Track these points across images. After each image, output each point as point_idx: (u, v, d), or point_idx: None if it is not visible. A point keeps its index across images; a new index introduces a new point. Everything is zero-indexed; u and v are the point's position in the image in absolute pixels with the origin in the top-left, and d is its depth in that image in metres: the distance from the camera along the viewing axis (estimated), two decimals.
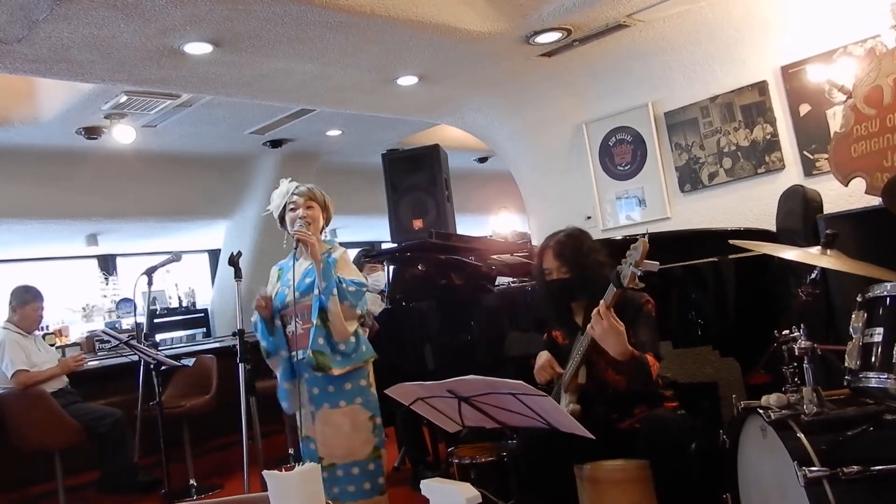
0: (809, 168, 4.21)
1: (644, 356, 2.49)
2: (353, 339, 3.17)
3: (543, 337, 2.98)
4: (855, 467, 1.85)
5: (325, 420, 3.16)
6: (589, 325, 2.47)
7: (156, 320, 7.57)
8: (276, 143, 6.94)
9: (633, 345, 2.50)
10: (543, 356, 2.82)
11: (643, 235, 2.34)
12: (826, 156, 3.90)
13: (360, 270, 5.56)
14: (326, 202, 3.36)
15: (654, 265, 2.30)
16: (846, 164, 3.32)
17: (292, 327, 3.23)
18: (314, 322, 3.11)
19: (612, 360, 2.52)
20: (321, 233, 3.39)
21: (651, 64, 4.81)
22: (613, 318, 2.42)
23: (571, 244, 2.76)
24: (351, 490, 3.12)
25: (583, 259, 2.72)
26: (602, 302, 2.44)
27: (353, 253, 4.56)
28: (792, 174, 4.27)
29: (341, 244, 3.46)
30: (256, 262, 7.16)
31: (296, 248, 3.28)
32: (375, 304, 3.64)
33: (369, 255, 5.58)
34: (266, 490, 1.62)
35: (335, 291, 3.09)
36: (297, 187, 3.30)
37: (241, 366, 3.25)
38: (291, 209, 3.27)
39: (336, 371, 3.11)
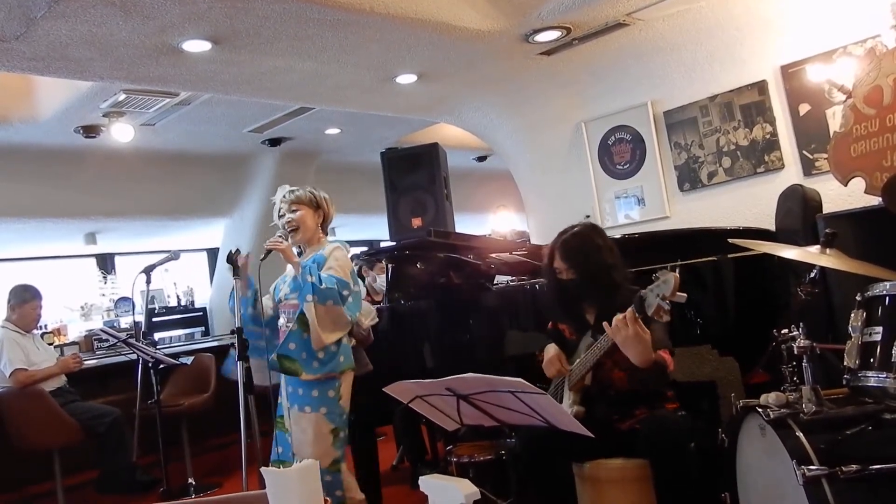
0: (809, 168, 4.21)
1: (661, 357, 2.49)
2: (333, 347, 3.16)
3: (548, 326, 2.96)
4: (854, 466, 1.85)
5: (295, 420, 3.19)
6: (611, 328, 2.44)
7: (154, 319, 7.56)
8: (274, 142, 6.93)
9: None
10: (552, 350, 2.79)
11: (674, 269, 2.29)
12: (825, 155, 3.90)
13: (370, 269, 5.58)
14: (318, 200, 3.35)
15: (682, 297, 2.28)
16: (845, 163, 3.32)
17: (281, 321, 3.29)
18: (291, 326, 3.13)
19: (622, 361, 2.52)
20: (324, 231, 3.40)
21: (650, 63, 4.81)
22: (640, 326, 2.39)
23: (579, 246, 2.75)
24: None
25: (590, 262, 2.71)
26: (630, 310, 2.41)
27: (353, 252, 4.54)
28: (791, 174, 4.27)
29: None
30: (255, 260, 7.14)
31: (264, 259, 3.27)
32: (367, 317, 3.62)
33: (368, 253, 5.58)
34: (265, 488, 1.62)
35: (309, 297, 3.07)
36: (284, 196, 3.33)
37: (239, 364, 3.24)
38: (281, 216, 3.34)
39: (306, 376, 3.12)
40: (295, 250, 3.32)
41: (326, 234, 3.45)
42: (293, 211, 3.30)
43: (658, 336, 2.55)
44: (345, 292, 3.15)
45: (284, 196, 3.33)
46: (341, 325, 3.15)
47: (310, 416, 3.16)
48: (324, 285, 3.08)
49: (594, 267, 2.71)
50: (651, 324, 2.53)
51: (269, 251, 3.21)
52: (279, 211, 3.35)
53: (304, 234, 3.32)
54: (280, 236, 3.23)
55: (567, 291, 2.77)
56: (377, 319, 3.78)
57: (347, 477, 3.26)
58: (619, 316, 2.42)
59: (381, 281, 5.34)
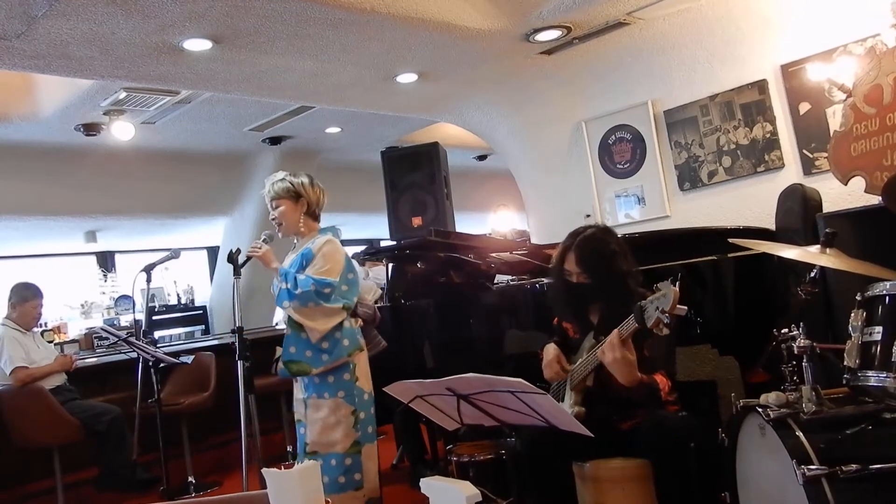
0: (809, 167, 4.20)
1: (653, 378, 2.48)
2: (337, 333, 3.16)
3: (553, 322, 2.95)
4: (853, 466, 1.85)
5: (314, 408, 3.20)
6: (599, 350, 2.46)
7: (154, 317, 7.57)
8: (275, 141, 6.93)
9: (645, 359, 2.48)
10: (551, 351, 2.78)
11: (674, 283, 2.27)
12: (825, 154, 3.90)
13: (361, 266, 5.58)
14: (296, 189, 3.32)
15: (682, 310, 2.27)
16: (846, 162, 3.32)
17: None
18: (286, 330, 3.14)
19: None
20: (315, 219, 3.40)
21: (651, 62, 4.80)
22: (626, 350, 2.39)
23: (596, 250, 2.71)
24: (325, 481, 3.12)
25: (605, 267, 2.68)
26: (617, 332, 2.41)
27: (351, 250, 4.54)
28: (791, 173, 4.27)
29: (342, 242, 3.44)
30: (255, 259, 7.14)
31: (243, 265, 3.32)
32: (369, 293, 3.61)
33: (368, 252, 5.59)
34: (265, 488, 1.62)
35: (286, 304, 3.10)
36: (267, 191, 3.33)
37: (239, 363, 3.24)
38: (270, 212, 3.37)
39: (316, 371, 3.14)
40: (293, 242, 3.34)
41: (318, 220, 3.43)
42: (275, 207, 3.32)
43: (658, 357, 2.54)
44: (326, 290, 3.13)
45: (268, 193, 3.34)
46: (332, 314, 3.15)
47: (328, 402, 3.18)
48: (299, 290, 3.09)
49: (609, 274, 2.67)
50: (648, 339, 2.52)
51: (248, 258, 3.24)
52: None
53: (290, 228, 3.32)
54: (265, 239, 3.25)
55: (577, 294, 2.74)
56: (380, 292, 3.78)
57: (368, 463, 3.25)
58: (609, 337, 2.42)
59: (372, 275, 5.35)
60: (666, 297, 2.27)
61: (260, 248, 3.23)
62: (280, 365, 3.18)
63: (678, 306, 2.26)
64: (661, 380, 2.50)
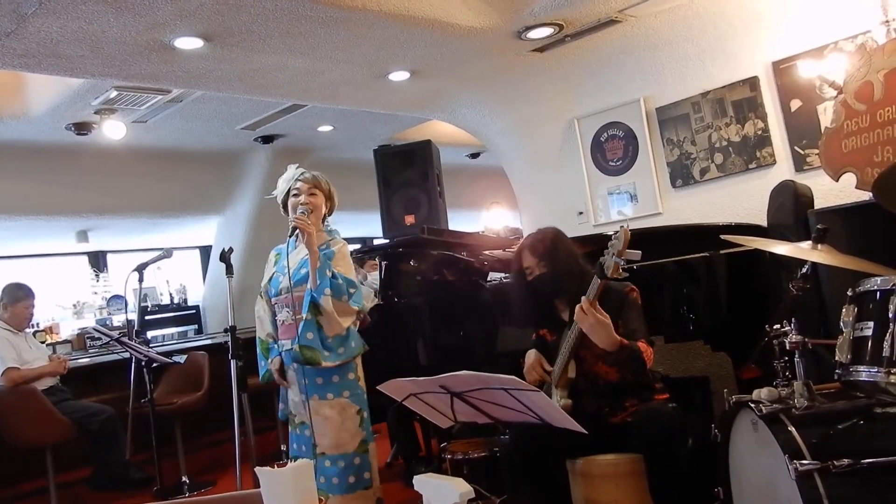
0: (800, 163, 4.22)
1: (635, 344, 2.52)
2: (343, 332, 3.15)
3: (533, 337, 2.98)
4: (846, 460, 1.86)
5: (316, 410, 3.16)
6: (577, 316, 2.49)
7: (147, 317, 7.55)
8: (267, 139, 6.92)
9: (624, 334, 2.53)
10: (532, 356, 2.83)
11: (623, 225, 2.36)
12: (817, 151, 3.91)
13: (361, 267, 5.57)
14: (331, 191, 3.31)
15: (636, 254, 2.34)
16: (837, 159, 3.33)
17: (283, 316, 3.21)
18: (304, 316, 3.08)
19: (602, 353, 2.54)
20: (323, 222, 3.35)
21: (643, 59, 4.81)
22: (598, 311, 2.45)
23: (547, 241, 2.83)
24: (335, 482, 3.11)
25: (560, 253, 2.78)
26: (584, 298, 2.46)
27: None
28: (783, 169, 4.29)
29: None
30: (248, 258, 7.14)
31: (292, 235, 3.17)
32: (368, 300, 3.62)
33: (361, 251, 5.58)
34: (259, 487, 1.62)
35: (327, 291, 3.05)
36: (302, 173, 3.23)
37: (232, 362, 3.23)
38: (294, 195, 3.19)
39: (325, 364, 3.09)
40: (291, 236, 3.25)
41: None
42: (312, 193, 3.19)
43: (633, 327, 2.59)
44: (352, 290, 3.16)
45: (304, 174, 3.21)
46: (351, 314, 3.16)
47: (333, 402, 3.13)
48: (339, 280, 3.09)
49: (563, 256, 2.77)
50: (626, 307, 2.61)
51: (295, 228, 3.09)
52: (294, 189, 3.19)
53: (315, 218, 3.22)
54: (301, 213, 3.10)
55: (540, 288, 2.79)
56: (377, 300, 3.78)
57: (374, 462, 3.24)
58: (578, 305, 2.47)
59: (371, 279, 5.34)
60: (618, 240, 2.33)
61: (309, 224, 3.06)
62: (294, 347, 3.11)
63: (630, 251, 2.32)
64: (643, 346, 2.54)
